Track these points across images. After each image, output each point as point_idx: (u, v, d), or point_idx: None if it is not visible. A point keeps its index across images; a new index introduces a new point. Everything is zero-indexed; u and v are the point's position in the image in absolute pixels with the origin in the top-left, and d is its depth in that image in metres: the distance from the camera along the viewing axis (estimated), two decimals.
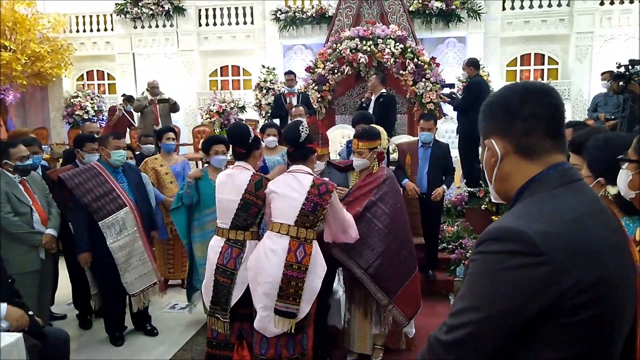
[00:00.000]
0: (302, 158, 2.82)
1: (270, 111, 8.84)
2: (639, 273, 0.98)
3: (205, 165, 3.93)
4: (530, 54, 10.68)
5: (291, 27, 10.53)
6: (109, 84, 12.30)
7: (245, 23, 11.35)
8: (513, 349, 0.91)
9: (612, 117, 6.32)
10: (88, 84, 12.23)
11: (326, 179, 2.83)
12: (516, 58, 10.71)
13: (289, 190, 2.72)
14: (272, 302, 2.64)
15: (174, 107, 7.44)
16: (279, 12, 10.55)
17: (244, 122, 9.47)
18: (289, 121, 5.36)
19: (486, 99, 1.12)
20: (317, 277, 2.72)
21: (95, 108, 11.28)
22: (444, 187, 4.41)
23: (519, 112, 1.01)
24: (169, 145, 4.55)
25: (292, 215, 2.68)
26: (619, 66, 5.73)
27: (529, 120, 1.00)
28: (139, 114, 7.64)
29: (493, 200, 1.17)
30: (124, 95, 8.81)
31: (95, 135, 4.45)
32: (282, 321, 2.66)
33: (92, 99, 11.41)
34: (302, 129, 2.77)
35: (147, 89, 7.83)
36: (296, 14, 10.43)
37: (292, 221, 2.68)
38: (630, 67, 5.61)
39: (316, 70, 7.59)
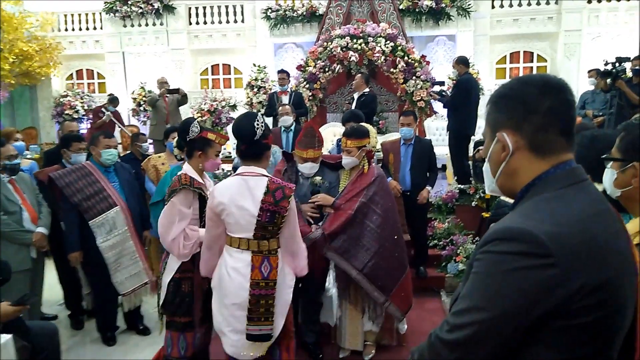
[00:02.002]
0: (254, 157, 2.42)
1: (261, 110, 8.86)
2: (638, 273, 0.98)
3: (181, 162, 4.04)
4: (519, 51, 10.77)
5: (282, 26, 10.52)
6: (98, 83, 12.21)
7: (235, 21, 11.32)
8: (516, 350, 0.91)
9: (600, 114, 6.39)
10: (77, 83, 12.13)
11: (283, 181, 2.44)
12: (505, 56, 10.79)
13: (240, 198, 2.33)
14: (241, 325, 2.37)
15: (183, 99, 7.41)
16: (270, 10, 10.54)
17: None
18: (279, 120, 5.36)
19: (497, 89, 1.08)
20: (287, 287, 2.49)
21: (85, 107, 11.19)
22: (428, 188, 4.45)
23: (537, 106, 0.97)
24: (172, 144, 4.51)
25: (249, 229, 2.34)
26: (606, 64, 5.80)
27: (547, 116, 0.97)
28: (152, 109, 7.61)
29: (488, 192, 1.15)
30: (110, 95, 8.74)
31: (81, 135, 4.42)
32: (257, 346, 2.42)
33: (81, 98, 11.32)
34: (257, 123, 2.35)
35: (157, 86, 7.81)
36: (287, 12, 10.42)
37: (250, 234, 2.36)
38: (617, 64, 5.69)
39: (307, 68, 7.60)
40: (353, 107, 6.12)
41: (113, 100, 8.24)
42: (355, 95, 6.29)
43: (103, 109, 8.02)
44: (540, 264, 0.85)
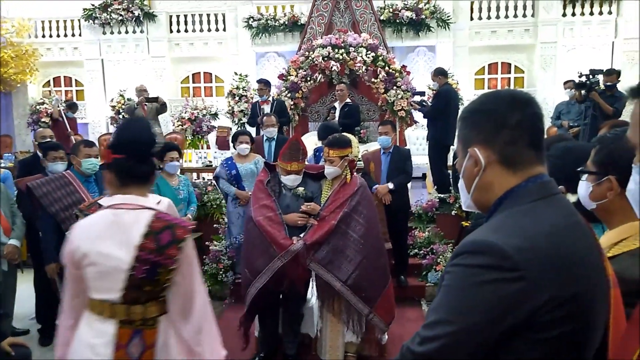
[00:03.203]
0: (143, 178, 1.74)
1: (242, 119, 8.85)
2: (611, 286, 0.99)
3: (159, 171, 4.07)
4: (497, 62, 10.99)
5: (264, 35, 10.53)
6: (77, 91, 12.01)
7: (217, 30, 11.29)
8: None
9: (576, 124, 6.54)
10: (55, 90, 11.91)
11: (177, 218, 1.80)
12: (484, 67, 11.00)
13: (104, 242, 1.63)
14: None
15: (161, 108, 7.32)
16: (252, 19, 10.54)
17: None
18: (264, 131, 5.35)
19: (467, 105, 1.10)
20: None
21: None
22: (389, 185, 4.45)
23: (506, 121, 0.99)
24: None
25: (115, 287, 1.63)
26: (580, 75, 5.96)
27: (516, 130, 0.98)
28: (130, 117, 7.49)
29: (464, 208, 1.15)
30: (67, 101, 8.58)
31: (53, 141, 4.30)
32: None
33: (58, 106, 11.11)
34: (153, 130, 1.81)
35: (135, 94, 7.70)
36: (268, 21, 10.44)
37: (116, 296, 1.63)
38: (591, 76, 5.85)
39: (289, 77, 7.61)
40: (337, 116, 6.16)
41: (71, 106, 8.08)
42: (338, 105, 6.34)
43: (61, 116, 7.87)
44: (507, 278, 0.86)
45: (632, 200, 0.86)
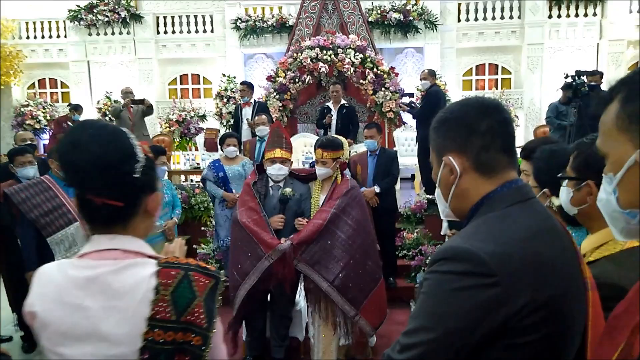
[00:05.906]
0: (122, 220, 1.08)
1: (229, 120, 8.81)
2: (588, 289, 0.99)
3: None
4: (484, 64, 11.06)
5: (252, 36, 10.49)
6: (62, 93, 11.87)
7: (205, 31, 11.23)
8: None
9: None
10: (40, 93, 11.76)
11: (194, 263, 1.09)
12: (472, 68, 11.07)
13: (85, 316, 1.01)
14: None
15: (148, 110, 7.25)
16: (239, 20, 10.50)
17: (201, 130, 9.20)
18: (243, 131, 5.34)
19: (438, 114, 1.10)
20: None
21: (48, 117, 10.85)
22: (374, 188, 4.49)
23: (477, 127, 1.00)
24: None
25: None
26: (566, 77, 6.00)
27: (487, 136, 1.00)
28: (116, 120, 7.37)
29: (443, 217, 1.15)
30: (69, 104, 8.44)
31: (28, 147, 4.20)
32: None
33: (44, 108, 10.97)
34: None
35: (121, 96, 7.60)
36: (256, 22, 10.41)
37: None
38: (576, 77, 5.89)
39: (277, 79, 7.58)
40: (334, 118, 6.19)
41: (77, 108, 7.97)
42: (332, 106, 6.34)
43: (68, 120, 7.75)
44: (482, 284, 0.87)
45: (603, 210, 0.86)
